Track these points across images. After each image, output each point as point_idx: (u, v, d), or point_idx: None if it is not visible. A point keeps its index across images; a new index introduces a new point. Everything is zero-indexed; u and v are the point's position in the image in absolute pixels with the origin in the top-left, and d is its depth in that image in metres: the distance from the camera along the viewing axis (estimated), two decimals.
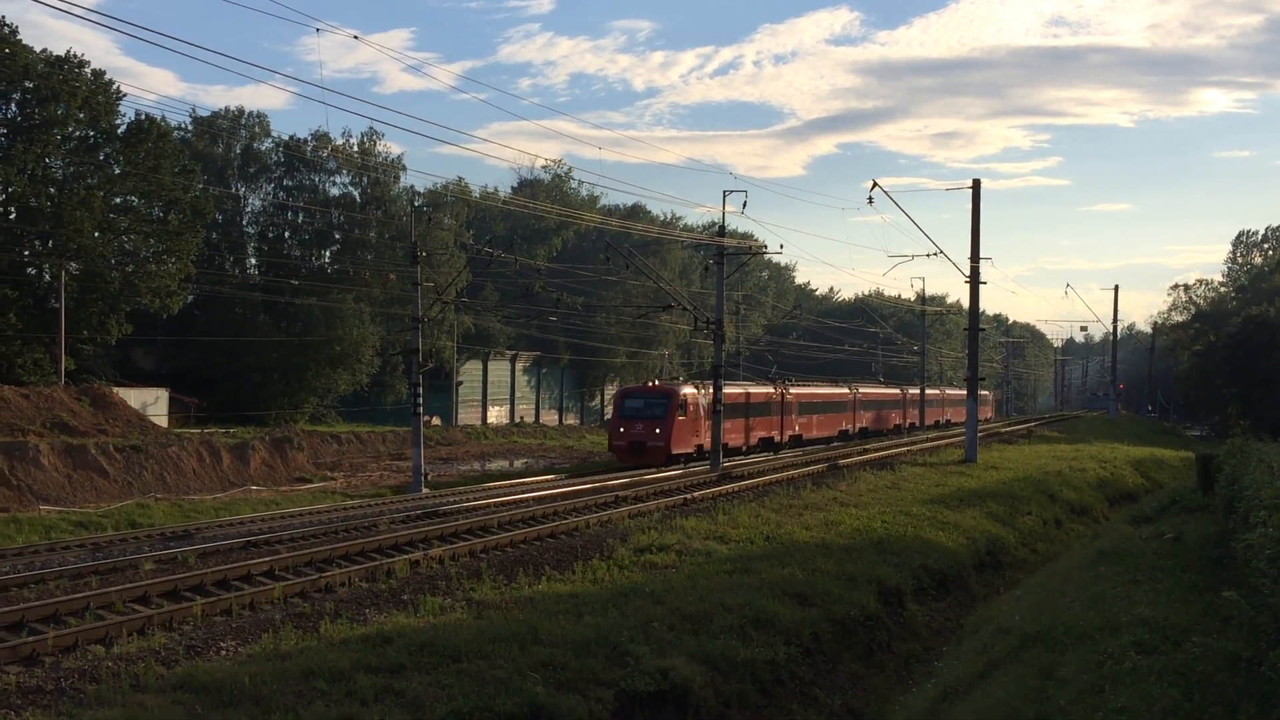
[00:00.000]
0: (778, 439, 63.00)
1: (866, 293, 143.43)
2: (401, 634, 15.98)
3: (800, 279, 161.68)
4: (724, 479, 41.67)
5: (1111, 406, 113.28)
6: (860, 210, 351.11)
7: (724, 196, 57.49)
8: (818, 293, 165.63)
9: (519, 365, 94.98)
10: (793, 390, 66.34)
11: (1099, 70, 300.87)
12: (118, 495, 40.03)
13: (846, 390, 77.47)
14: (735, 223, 71.61)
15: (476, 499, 35.96)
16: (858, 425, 77.55)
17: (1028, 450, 58.26)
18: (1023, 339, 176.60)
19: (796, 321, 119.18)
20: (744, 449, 57.96)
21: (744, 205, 63.19)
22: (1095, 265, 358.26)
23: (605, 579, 20.88)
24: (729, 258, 53.57)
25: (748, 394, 60.20)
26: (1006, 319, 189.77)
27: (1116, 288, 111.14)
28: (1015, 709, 11.77)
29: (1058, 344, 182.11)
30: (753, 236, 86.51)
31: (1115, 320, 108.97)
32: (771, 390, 63.50)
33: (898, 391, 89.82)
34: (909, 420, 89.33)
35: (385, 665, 14.48)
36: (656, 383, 54.46)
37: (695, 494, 35.61)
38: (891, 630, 21.29)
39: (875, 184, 45.96)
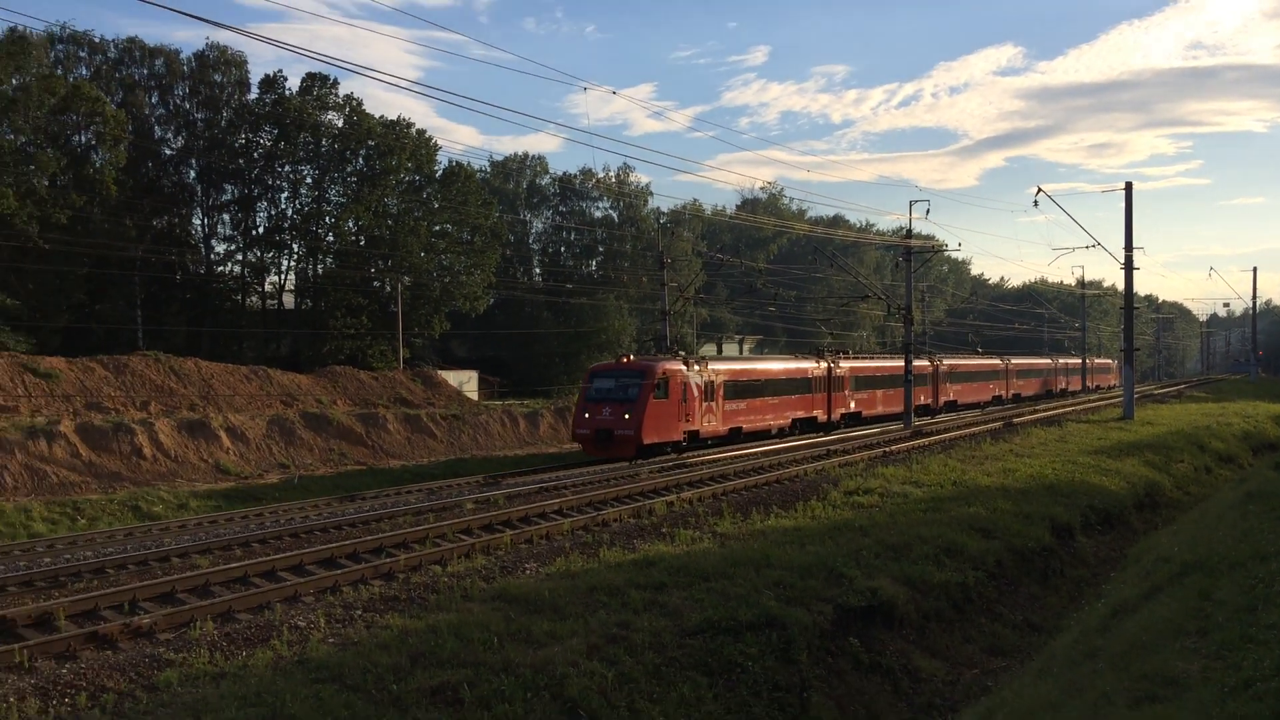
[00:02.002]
0: (823, 418, 45.25)
1: (1033, 280, 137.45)
2: (662, 559, 16.14)
3: (975, 270, 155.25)
4: (915, 435, 40.60)
5: (1252, 370, 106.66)
6: (1026, 212, 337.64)
7: (910, 206, 56.78)
8: (990, 281, 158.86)
9: (745, 347, 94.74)
10: (845, 364, 47.97)
11: (1234, 85, 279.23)
12: (444, 452, 41.77)
13: (928, 362, 57.92)
14: (919, 226, 69.20)
15: (716, 453, 36.04)
16: (940, 400, 58.00)
17: (1178, 409, 54.75)
18: (1171, 315, 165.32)
19: (973, 306, 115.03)
20: (774, 431, 41.76)
21: (927, 212, 62.19)
22: (1234, 251, 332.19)
23: (821, 516, 20.64)
24: (915, 255, 52.14)
25: (782, 370, 43.01)
26: (1156, 298, 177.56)
27: (1255, 269, 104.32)
28: (1178, 624, 11.09)
29: (1202, 318, 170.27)
30: (934, 237, 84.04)
31: (1254, 297, 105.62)
32: (813, 365, 45.16)
33: (998, 362, 69.28)
34: (992, 394, 67.10)
35: (650, 583, 14.63)
36: (631, 358, 37.61)
37: (892, 448, 34.82)
38: (1064, 559, 20.36)
39: (1040, 190, 44.59)
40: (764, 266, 77.84)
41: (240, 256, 58.74)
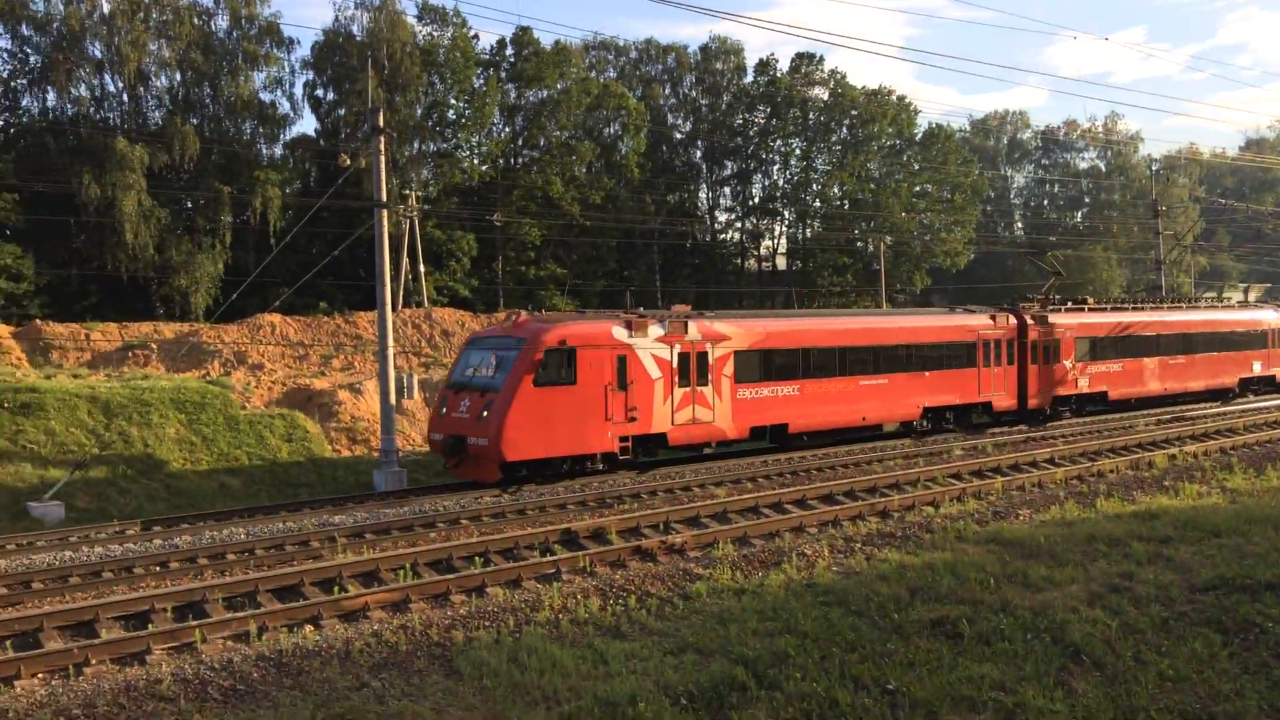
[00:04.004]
0: (1002, 404, 27.77)
1: None
2: (1165, 512, 14.74)
3: None
4: None
5: None
6: None
7: None
8: None
9: (1252, 295, 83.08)
10: (1061, 319, 29.25)
11: None
12: None
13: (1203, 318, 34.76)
14: None
15: (1217, 407, 32.01)
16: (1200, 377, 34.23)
17: None
18: None
19: None
20: (890, 426, 26.44)
21: None
22: None
23: None
24: None
25: (900, 330, 25.74)
26: None
27: None
28: None
29: None
30: None
31: None
32: (981, 323, 27.50)
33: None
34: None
35: (1153, 536, 13.43)
36: (522, 316, 21.82)
37: None
38: None
39: None
40: (1274, 209, 67.83)
41: (739, 224, 61.75)
